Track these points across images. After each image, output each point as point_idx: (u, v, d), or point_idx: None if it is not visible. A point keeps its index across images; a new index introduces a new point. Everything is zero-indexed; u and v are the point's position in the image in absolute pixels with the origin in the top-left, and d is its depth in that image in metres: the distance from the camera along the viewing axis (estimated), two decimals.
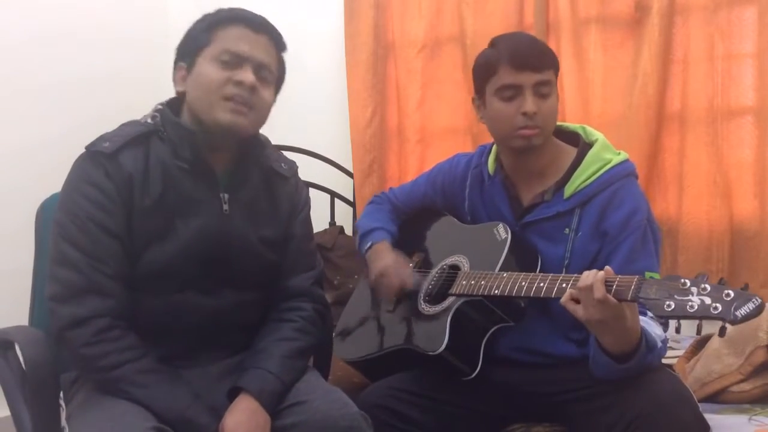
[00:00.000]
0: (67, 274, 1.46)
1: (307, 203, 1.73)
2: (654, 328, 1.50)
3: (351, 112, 3.05)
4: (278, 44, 1.58)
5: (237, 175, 1.59)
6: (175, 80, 1.57)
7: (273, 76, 1.57)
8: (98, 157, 1.49)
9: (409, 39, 2.96)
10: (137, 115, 1.58)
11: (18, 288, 1.83)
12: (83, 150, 1.52)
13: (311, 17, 3.20)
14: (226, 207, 1.56)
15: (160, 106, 1.58)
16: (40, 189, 1.74)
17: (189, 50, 1.54)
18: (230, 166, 1.58)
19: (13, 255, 2.18)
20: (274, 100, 1.60)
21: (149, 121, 1.55)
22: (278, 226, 1.64)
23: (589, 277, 1.41)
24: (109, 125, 1.57)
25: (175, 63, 1.57)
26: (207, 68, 1.50)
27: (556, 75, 1.70)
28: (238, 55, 1.50)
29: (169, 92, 1.59)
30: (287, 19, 3.16)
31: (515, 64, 1.64)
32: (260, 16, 1.57)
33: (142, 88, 2.88)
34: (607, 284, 1.40)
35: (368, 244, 1.90)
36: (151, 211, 1.49)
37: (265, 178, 1.64)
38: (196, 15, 1.57)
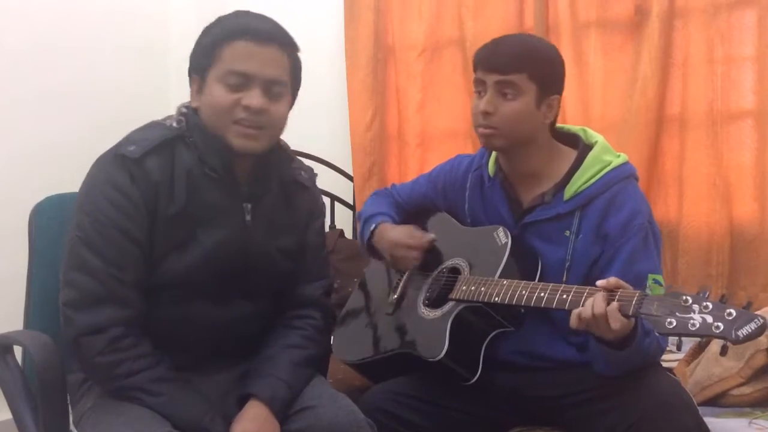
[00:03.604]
0: (85, 281, 1.43)
1: (323, 212, 1.72)
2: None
3: (351, 115, 3.06)
4: (289, 49, 1.52)
5: (258, 184, 1.55)
6: (191, 92, 1.52)
7: (286, 87, 1.51)
8: (124, 161, 1.44)
9: (409, 42, 2.96)
10: (136, 122, 1.55)
11: (12, 292, 1.83)
12: (79, 154, 1.50)
13: (311, 21, 3.20)
14: (248, 217, 1.53)
15: (184, 110, 1.53)
16: (34, 193, 1.73)
17: (198, 65, 1.49)
18: (252, 175, 1.55)
19: (7, 259, 2.18)
20: (290, 107, 1.56)
21: (174, 125, 1.51)
22: (295, 235, 1.62)
23: (599, 305, 1.39)
24: (107, 131, 1.56)
25: (189, 73, 1.53)
26: (215, 90, 1.46)
27: (540, 81, 1.64)
28: (244, 75, 1.45)
29: (169, 98, 1.57)
30: (287, 22, 3.17)
31: (484, 63, 1.67)
32: (267, 21, 1.51)
33: (141, 94, 2.90)
34: (609, 298, 1.40)
35: (372, 226, 1.89)
36: (174, 220, 1.46)
37: (285, 186, 1.61)
38: (196, 22, 1.54)
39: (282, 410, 1.50)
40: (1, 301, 2.07)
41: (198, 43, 1.51)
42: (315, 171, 1.73)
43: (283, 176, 1.61)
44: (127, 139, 1.48)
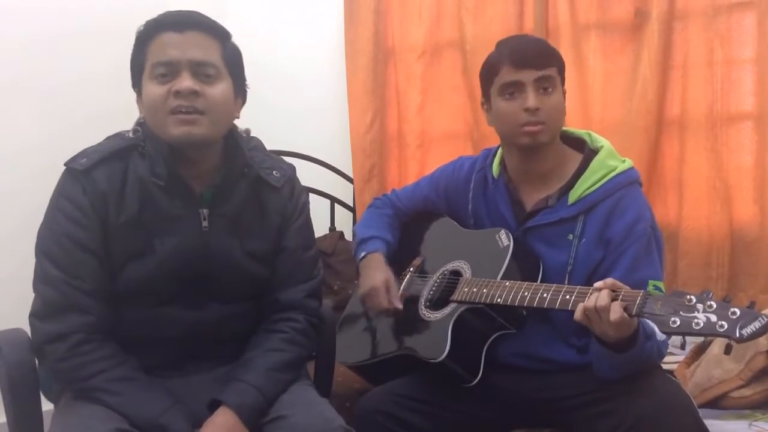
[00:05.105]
0: (47, 291, 1.47)
1: (303, 212, 1.66)
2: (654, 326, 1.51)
3: (351, 117, 3.05)
4: (216, 33, 1.50)
5: (221, 188, 1.54)
6: (138, 106, 1.54)
7: (218, 70, 1.48)
8: (76, 174, 1.48)
9: (409, 44, 2.96)
10: (136, 117, 1.57)
11: (20, 291, 1.82)
12: (74, 152, 1.51)
13: (311, 23, 3.21)
14: (205, 223, 1.52)
15: (142, 120, 1.54)
16: (39, 192, 1.73)
17: (135, 76, 1.51)
18: (215, 180, 1.54)
19: (13, 259, 2.18)
20: (238, 94, 1.54)
21: (130, 135, 1.53)
22: (267, 239, 1.59)
23: (603, 298, 1.40)
24: (109, 126, 1.57)
25: (133, 89, 1.54)
26: (148, 88, 1.46)
27: (561, 74, 1.70)
28: (169, 64, 1.44)
29: None
30: (287, 24, 3.20)
31: (515, 62, 1.66)
32: (186, 12, 1.49)
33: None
34: (613, 296, 1.40)
35: (362, 254, 1.89)
36: (127, 229, 1.48)
37: (253, 188, 1.58)
38: None
39: (253, 417, 1.47)
40: (12, 299, 2.06)
41: (130, 58, 1.52)
42: (314, 172, 1.74)
43: (250, 178, 1.58)
44: (82, 152, 1.52)
